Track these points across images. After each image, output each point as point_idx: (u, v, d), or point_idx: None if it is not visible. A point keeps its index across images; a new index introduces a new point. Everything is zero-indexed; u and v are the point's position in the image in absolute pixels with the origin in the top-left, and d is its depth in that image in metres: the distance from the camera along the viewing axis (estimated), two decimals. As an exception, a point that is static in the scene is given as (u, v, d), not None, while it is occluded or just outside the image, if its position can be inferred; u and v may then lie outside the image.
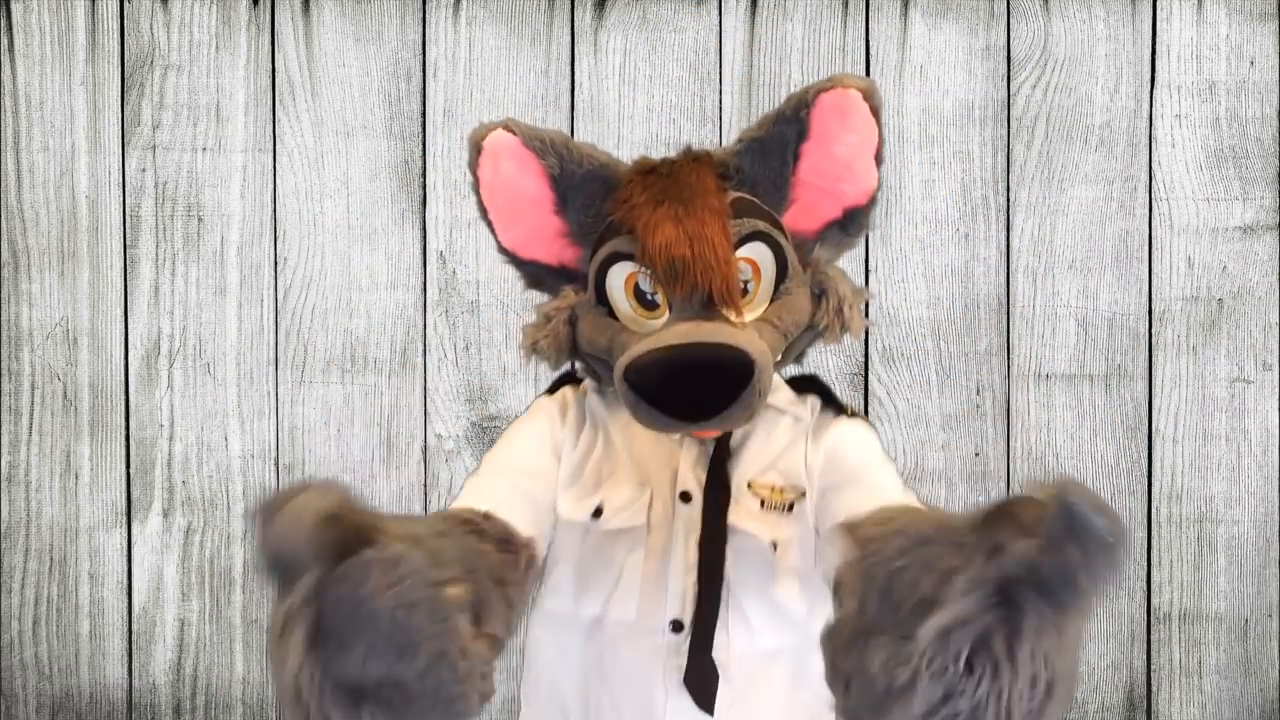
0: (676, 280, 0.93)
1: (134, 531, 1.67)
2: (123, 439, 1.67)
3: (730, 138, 1.07)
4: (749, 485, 0.98)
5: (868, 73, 1.66)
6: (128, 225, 1.67)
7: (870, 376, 1.66)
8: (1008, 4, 1.66)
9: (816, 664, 1.02)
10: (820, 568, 0.98)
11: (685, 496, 0.98)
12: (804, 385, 1.04)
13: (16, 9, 1.66)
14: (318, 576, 0.75)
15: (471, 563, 0.85)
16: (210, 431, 1.67)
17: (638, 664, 0.98)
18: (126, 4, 1.66)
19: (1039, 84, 1.66)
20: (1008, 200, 1.67)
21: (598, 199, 1.01)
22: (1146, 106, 1.66)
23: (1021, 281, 1.66)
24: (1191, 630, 1.67)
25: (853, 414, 1.03)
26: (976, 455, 1.67)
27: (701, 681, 0.96)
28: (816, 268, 1.00)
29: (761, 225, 0.97)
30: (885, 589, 0.77)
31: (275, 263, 1.67)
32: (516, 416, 1.06)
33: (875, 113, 0.99)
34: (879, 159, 1.01)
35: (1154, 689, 1.68)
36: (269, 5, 1.66)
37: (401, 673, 0.75)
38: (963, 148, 1.66)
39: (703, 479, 0.98)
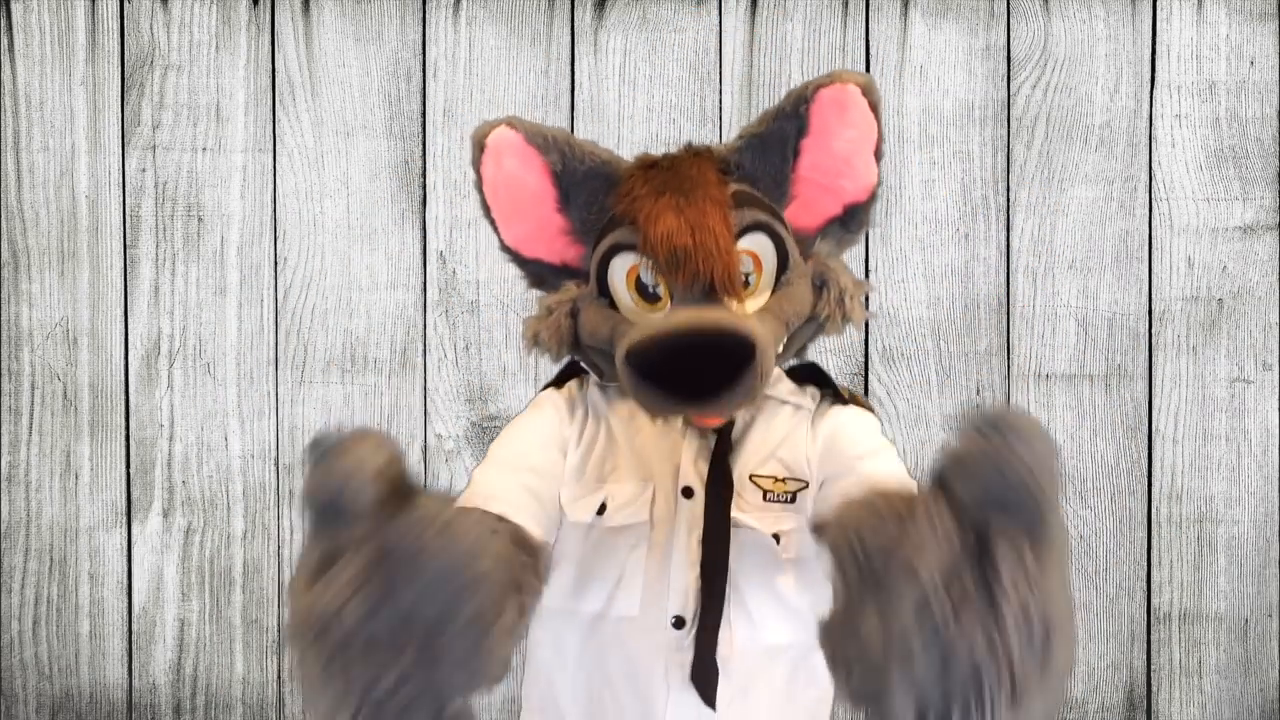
0: (678, 268, 0.93)
1: (134, 531, 1.67)
2: (123, 439, 1.67)
3: (730, 138, 1.07)
4: (750, 477, 0.98)
5: (867, 73, 1.66)
6: (128, 225, 1.67)
7: (870, 376, 1.66)
8: (1008, 4, 1.66)
9: (818, 658, 1.02)
10: (822, 560, 0.98)
11: (688, 492, 0.98)
12: (803, 375, 1.04)
13: (16, 9, 1.66)
14: (380, 522, 0.76)
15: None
16: (210, 431, 1.67)
17: (639, 660, 0.98)
18: (126, 4, 1.66)
19: (1039, 84, 1.66)
20: (1008, 200, 1.67)
21: (600, 195, 1.01)
22: (1146, 106, 1.66)
23: (1021, 281, 1.67)
24: (1191, 630, 1.67)
25: (851, 397, 1.03)
26: (976, 455, 1.67)
27: (707, 678, 0.96)
28: (817, 259, 1.00)
29: (762, 216, 0.97)
30: (856, 553, 0.78)
31: (275, 263, 1.67)
32: (516, 416, 1.06)
33: (874, 108, 1.00)
34: (879, 155, 1.02)
35: (1154, 689, 1.68)
36: (269, 5, 1.66)
37: (438, 627, 0.76)
38: (963, 148, 1.66)
39: (704, 473, 0.98)
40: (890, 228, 1.66)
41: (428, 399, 1.66)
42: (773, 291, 0.97)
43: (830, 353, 1.65)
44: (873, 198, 1.03)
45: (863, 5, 1.66)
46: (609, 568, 0.98)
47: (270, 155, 1.67)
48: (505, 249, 1.06)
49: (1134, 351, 1.67)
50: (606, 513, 0.98)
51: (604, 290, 0.98)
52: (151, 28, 1.66)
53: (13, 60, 1.66)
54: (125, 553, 1.68)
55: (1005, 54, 1.66)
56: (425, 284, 1.67)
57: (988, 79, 1.66)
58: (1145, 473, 1.67)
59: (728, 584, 0.96)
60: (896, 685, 0.75)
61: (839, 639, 0.79)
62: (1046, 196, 1.66)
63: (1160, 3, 1.66)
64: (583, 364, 1.05)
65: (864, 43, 1.66)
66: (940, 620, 0.74)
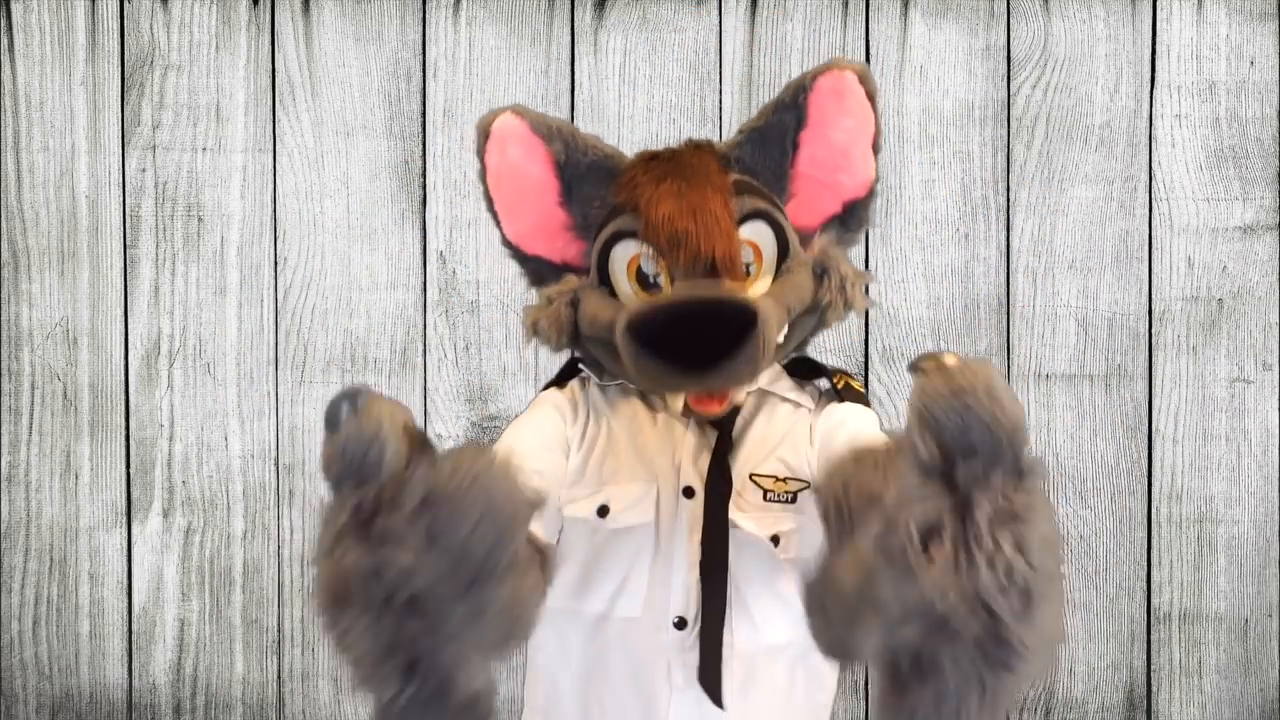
0: (679, 248, 0.93)
1: (134, 531, 1.67)
2: (123, 439, 1.67)
3: (730, 137, 1.07)
4: (751, 476, 0.98)
5: (868, 73, 1.66)
6: (128, 225, 1.67)
7: (870, 376, 1.66)
8: (1008, 4, 1.66)
9: (817, 656, 1.02)
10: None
11: (688, 492, 0.98)
12: (798, 370, 1.04)
13: (16, 9, 1.66)
14: (414, 473, 0.76)
15: None
16: (210, 431, 1.67)
17: (642, 661, 0.98)
18: (126, 4, 1.66)
19: (1039, 84, 1.66)
20: (1008, 200, 1.67)
21: (601, 189, 1.01)
22: (1146, 106, 1.66)
23: (1021, 281, 1.67)
24: (1191, 630, 1.67)
25: (846, 387, 1.03)
26: (976, 455, 1.67)
27: (714, 678, 0.96)
28: (817, 249, 1.00)
29: (762, 204, 0.97)
30: (840, 502, 0.78)
31: (275, 263, 1.67)
32: (516, 416, 1.06)
33: (871, 98, 1.00)
34: (876, 148, 1.02)
35: (1154, 689, 1.68)
36: (269, 5, 1.66)
37: (486, 568, 0.76)
38: (963, 148, 1.66)
39: (705, 472, 0.97)
40: (890, 228, 1.66)
41: (428, 399, 1.66)
42: (773, 280, 0.97)
43: (830, 353, 1.65)
44: (871, 194, 1.03)
45: (863, 5, 1.66)
46: (613, 569, 0.98)
47: (270, 155, 1.67)
48: (506, 243, 1.06)
49: (1134, 351, 1.67)
50: (610, 514, 0.98)
51: (604, 279, 0.98)
52: (151, 28, 1.66)
53: (13, 60, 1.66)
54: (125, 553, 1.68)
55: (1005, 54, 1.66)
56: (425, 284, 1.67)
57: (988, 79, 1.66)
58: (1145, 473, 1.67)
59: (729, 584, 0.96)
60: (868, 628, 0.74)
61: (816, 583, 0.79)
62: (1046, 196, 1.66)
63: (1160, 3, 1.66)
64: (582, 365, 1.05)
65: (864, 43, 1.66)
66: (914, 564, 0.73)
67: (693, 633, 0.97)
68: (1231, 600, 1.67)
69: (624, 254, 0.97)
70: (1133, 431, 1.67)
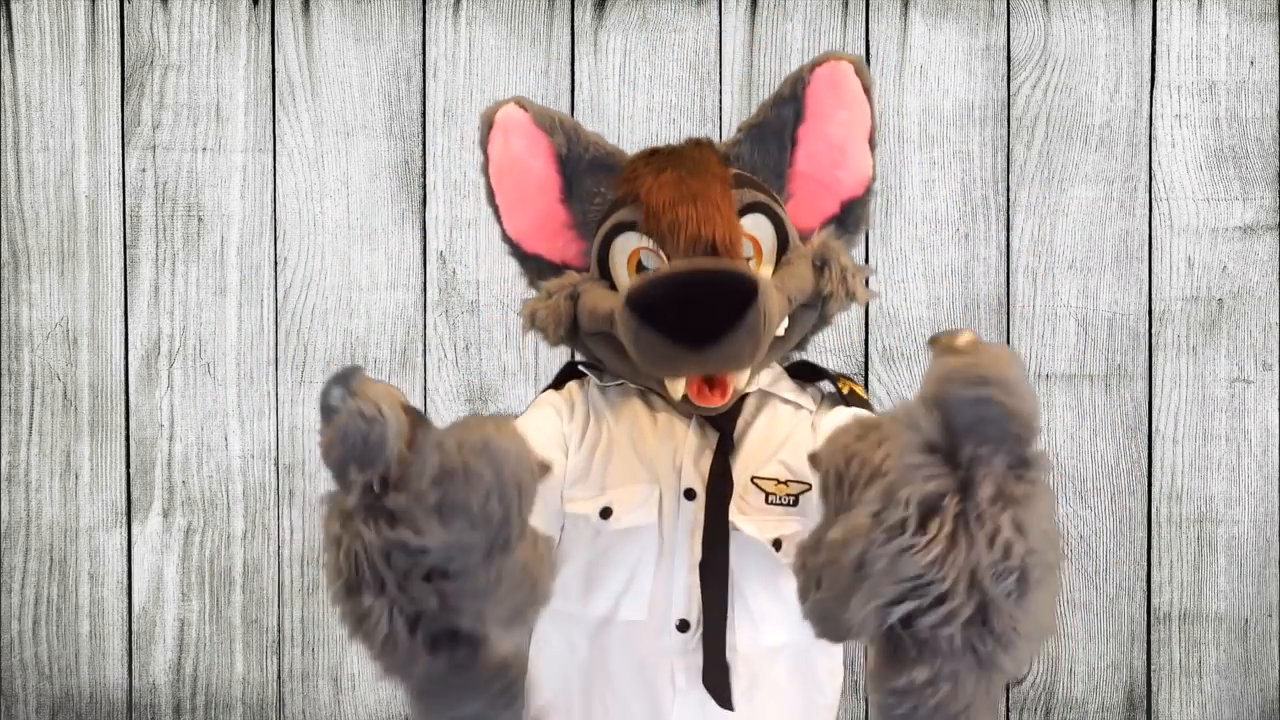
0: (679, 230, 0.92)
1: (134, 531, 1.67)
2: (123, 439, 1.67)
3: (730, 137, 1.07)
4: (753, 479, 0.98)
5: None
6: (128, 225, 1.67)
7: (870, 376, 1.66)
8: (1008, 4, 1.66)
9: (819, 659, 1.02)
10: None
11: (690, 494, 0.98)
12: (800, 373, 1.04)
13: (16, 9, 1.66)
14: (419, 448, 0.75)
15: None
16: (210, 431, 1.67)
17: (644, 663, 0.98)
18: (126, 4, 1.66)
19: (1039, 84, 1.66)
20: (1008, 200, 1.67)
21: (602, 186, 1.01)
22: (1146, 106, 1.66)
23: (1021, 281, 1.67)
24: (1191, 630, 1.67)
25: (850, 392, 1.03)
26: (976, 455, 1.67)
27: (718, 680, 0.96)
28: (817, 242, 1.00)
29: (761, 197, 0.98)
30: (840, 474, 0.78)
31: (275, 263, 1.67)
32: (518, 418, 1.06)
33: (866, 91, 1.01)
34: (872, 143, 1.02)
35: (1154, 689, 1.68)
36: (269, 5, 1.66)
37: (502, 534, 0.75)
38: (963, 148, 1.66)
39: (705, 474, 0.97)
40: (890, 228, 1.66)
41: (428, 399, 1.66)
42: (773, 272, 0.97)
43: (830, 353, 1.65)
44: (869, 192, 1.03)
45: (863, 5, 1.66)
46: (617, 572, 0.98)
47: (270, 155, 1.67)
48: (506, 240, 1.06)
49: (1134, 351, 1.67)
50: (613, 516, 0.98)
51: (605, 273, 0.98)
52: (151, 28, 1.66)
53: (13, 60, 1.66)
54: (125, 553, 1.68)
55: (1005, 54, 1.66)
56: (425, 284, 1.67)
57: (988, 79, 1.66)
58: (1145, 473, 1.67)
59: (730, 587, 0.96)
60: (862, 603, 0.74)
61: (811, 550, 0.78)
62: (1046, 196, 1.66)
63: (1160, 3, 1.66)
64: (581, 366, 1.05)
65: (864, 43, 1.66)
66: (902, 519, 0.73)
67: (695, 635, 0.97)
68: (1231, 600, 1.67)
69: (624, 247, 0.97)
70: (1133, 431, 1.67)
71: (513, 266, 1.08)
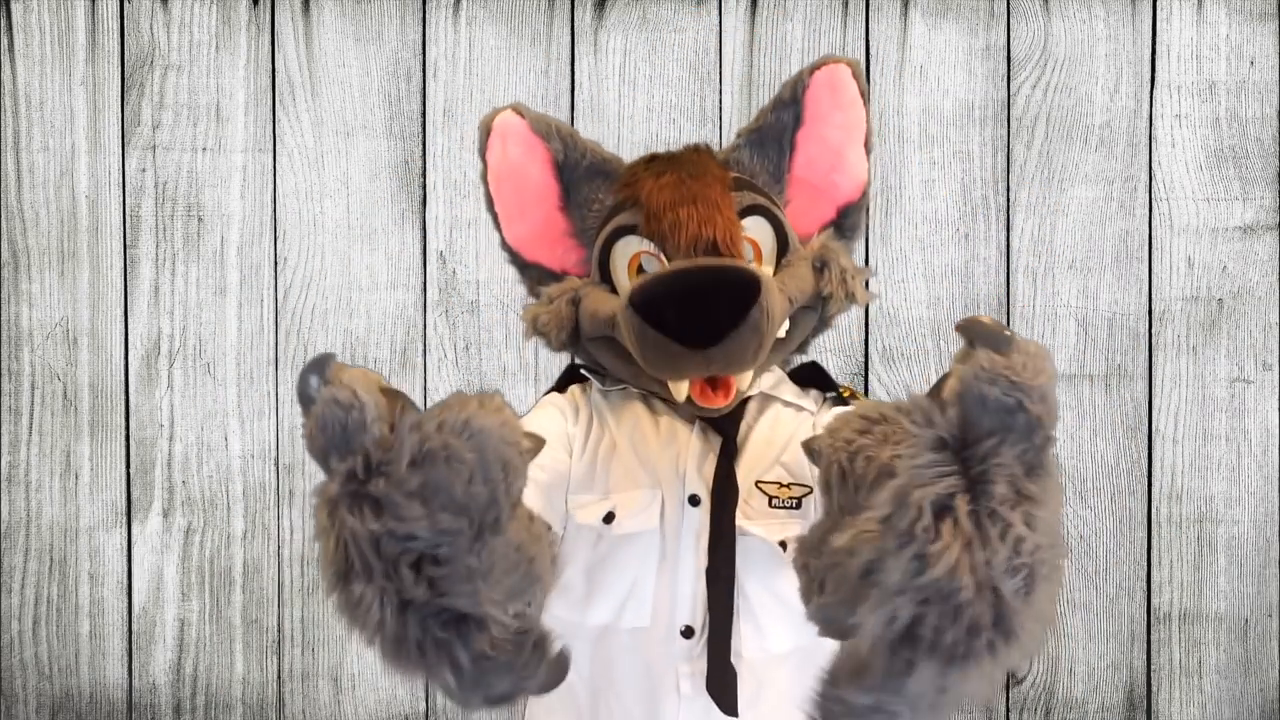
0: (679, 230, 0.92)
1: (134, 531, 1.67)
2: (123, 439, 1.67)
3: (730, 138, 1.07)
4: (756, 484, 0.98)
5: (868, 73, 1.66)
6: (128, 225, 1.67)
7: (870, 376, 1.66)
8: (1008, 4, 1.66)
9: (822, 659, 1.02)
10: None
11: (694, 500, 0.98)
12: (804, 377, 1.05)
13: (16, 9, 1.66)
14: (400, 431, 0.74)
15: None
16: (210, 431, 1.67)
17: (650, 670, 0.98)
18: (126, 4, 1.66)
19: (1039, 84, 1.66)
20: (1008, 200, 1.67)
21: (600, 193, 1.01)
22: (1146, 106, 1.66)
23: (1021, 281, 1.66)
24: (1191, 630, 1.67)
25: (852, 397, 1.03)
26: (976, 455, 1.67)
27: (723, 686, 0.96)
28: (816, 244, 1.01)
29: (760, 200, 0.98)
30: (845, 471, 0.77)
31: (275, 263, 1.67)
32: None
33: (862, 95, 1.01)
34: (868, 147, 1.03)
35: (1154, 689, 1.68)
36: (269, 5, 1.66)
37: (491, 511, 0.74)
38: (963, 148, 1.66)
39: (709, 479, 0.97)
40: (890, 228, 1.66)
41: (427, 399, 1.66)
42: (774, 273, 0.97)
43: (830, 353, 1.65)
44: (864, 197, 1.04)
45: (863, 5, 1.66)
46: (619, 579, 0.98)
47: (270, 155, 1.67)
48: (506, 247, 1.06)
49: (1134, 351, 1.67)
50: (615, 521, 0.98)
51: (606, 277, 0.98)
52: (151, 28, 1.66)
53: (13, 60, 1.66)
54: (125, 553, 1.68)
55: (1005, 54, 1.66)
56: (425, 284, 1.67)
57: (988, 79, 1.66)
58: (1145, 473, 1.67)
59: (735, 592, 0.96)
60: (869, 607, 0.73)
61: (814, 551, 0.77)
62: (1046, 196, 1.66)
63: (1160, 3, 1.66)
64: (583, 369, 1.05)
65: (864, 43, 1.66)
66: (914, 525, 0.72)
67: (700, 641, 0.97)
68: (1231, 600, 1.67)
69: (625, 250, 0.97)
70: (1133, 431, 1.67)
71: (513, 268, 1.08)
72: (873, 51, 1.66)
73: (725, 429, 0.98)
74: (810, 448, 0.83)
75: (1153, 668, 1.68)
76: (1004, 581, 0.72)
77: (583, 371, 1.06)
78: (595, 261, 0.99)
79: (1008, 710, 1.68)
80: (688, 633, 0.97)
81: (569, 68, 1.66)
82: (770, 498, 0.98)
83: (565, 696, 1.02)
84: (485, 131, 1.03)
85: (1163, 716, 1.68)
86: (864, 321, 1.66)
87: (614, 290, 0.98)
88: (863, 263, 1.65)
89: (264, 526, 1.67)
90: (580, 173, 1.02)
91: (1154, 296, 1.67)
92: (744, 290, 0.88)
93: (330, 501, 0.75)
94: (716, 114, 1.66)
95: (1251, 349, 1.67)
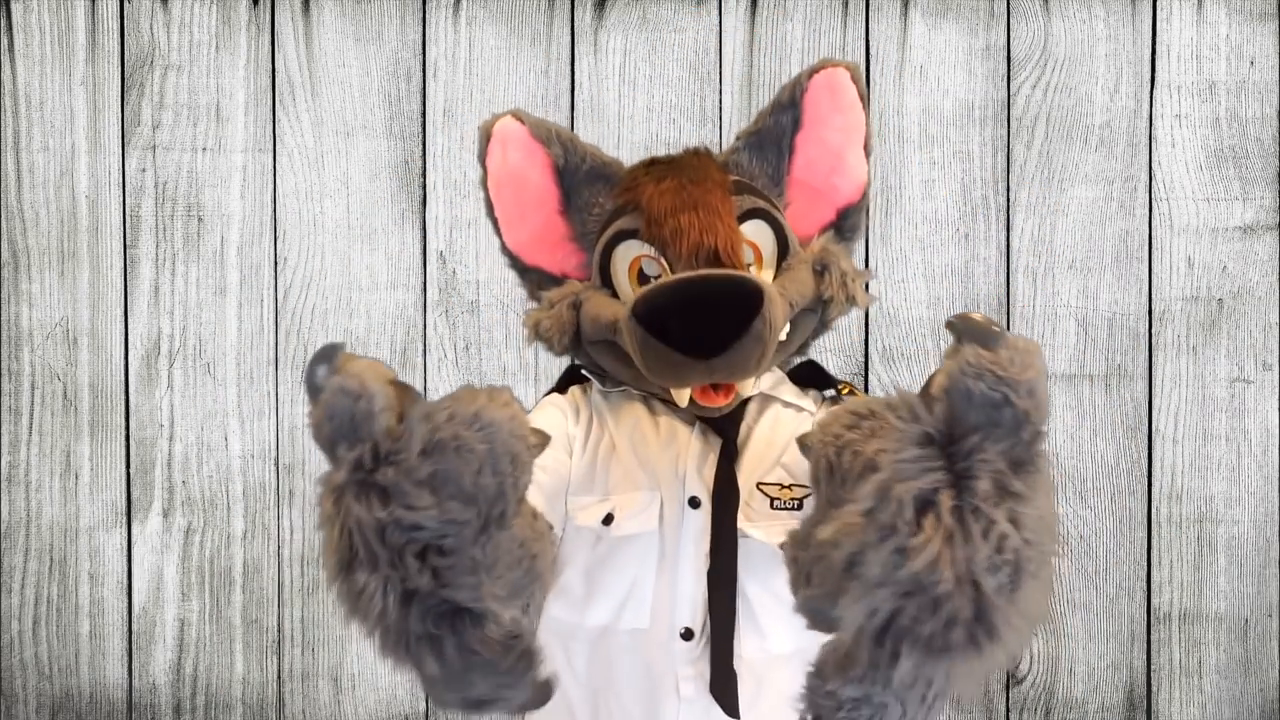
0: (680, 239, 0.93)
1: (134, 531, 1.67)
2: (123, 439, 1.67)
3: (730, 138, 1.08)
4: (758, 485, 0.98)
5: (868, 73, 1.66)
6: (128, 225, 1.67)
7: (870, 376, 1.66)
8: (1008, 4, 1.66)
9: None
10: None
11: (694, 502, 0.98)
12: (803, 376, 1.05)
13: (16, 9, 1.66)
14: (409, 421, 0.74)
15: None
16: (210, 431, 1.67)
17: (649, 672, 0.98)
18: (126, 4, 1.66)
19: (1039, 84, 1.66)
20: (1008, 200, 1.67)
21: (600, 197, 1.01)
22: (1146, 106, 1.66)
23: (1021, 281, 1.66)
24: (1191, 630, 1.67)
25: (848, 392, 1.03)
26: (976, 455, 1.67)
27: (726, 689, 0.96)
28: (816, 247, 1.01)
29: (761, 203, 0.98)
30: (833, 465, 0.77)
31: (275, 263, 1.67)
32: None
33: (862, 98, 1.01)
34: (868, 150, 1.03)
35: (1154, 689, 1.68)
36: (269, 5, 1.66)
37: (498, 503, 0.74)
38: (963, 148, 1.66)
39: (710, 481, 0.97)
40: (890, 228, 1.66)
41: (427, 399, 1.66)
42: (774, 277, 0.97)
43: (830, 353, 1.65)
44: (864, 199, 1.04)
45: (863, 5, 1.66)
46: (618, 580, 0.98)
47: (270, 155, 1.67)
48: (506, 252, 1.06)
49: (1134, 351, 1.67)
50: (614, 522, 0.98)
51: (606, 281, 0.98)
52: (151, 28, 1.66)
53: (13, 60, 1.66)
54: (125, 553, 1.68)
55: (1005, 54, 1.66)
56: (425, 284, 1.67)
57: (988, 79, 1.66)
58: (1145, 473, 1.67)
59: (737, 594, 0.96)
60: (852, 600, 0.73)
61: (801, 545, 0.78)
62: (1046, 196, 1.66)
63: (1160, 3, 1.66)
64: (584, 370, 1.05)
65: (864, 43, 1.66)
66: (897, 519, 0.72)
67: (699, 643, 0.97)
68: (1231, 600, 1.67)
69: (625, 254, 0.97)
70: (1133, 431, 1.67)
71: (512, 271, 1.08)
72: (873, 51, 1.66)
73: (725, 430, 0.98)
74: (803, 443, 0.83)
75: (1153, 668, 1.68)
76: (986, 577, 0.72)
77: (583, 372, 1.06)
78: (596, 265, 0.99)
79: (1008, 710, 1.68)
80: (687, 635, 0.97)
81: (569, 68, 1.66)
82: (772, 499, 0.98)
83: (559, 702, 1.02)
84: (485, 137, 1.03)
85: (1163, 716, 1.68)
86: (864, 321, 1.66)
87: (615, 294, 0.98)
88: (863, 263, 1.65)
89: (264, 526, 1.67)
90: (580, 177, 1.02)
91: (1154, 296, 1.67)
92: (746, 301, 0.88)
93: (336, 489, 0.75)
94: (716, 114, 1.66)
95: (1251, 349, 1.67)
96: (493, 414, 0.76)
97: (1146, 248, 1.67)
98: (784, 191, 1.03)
